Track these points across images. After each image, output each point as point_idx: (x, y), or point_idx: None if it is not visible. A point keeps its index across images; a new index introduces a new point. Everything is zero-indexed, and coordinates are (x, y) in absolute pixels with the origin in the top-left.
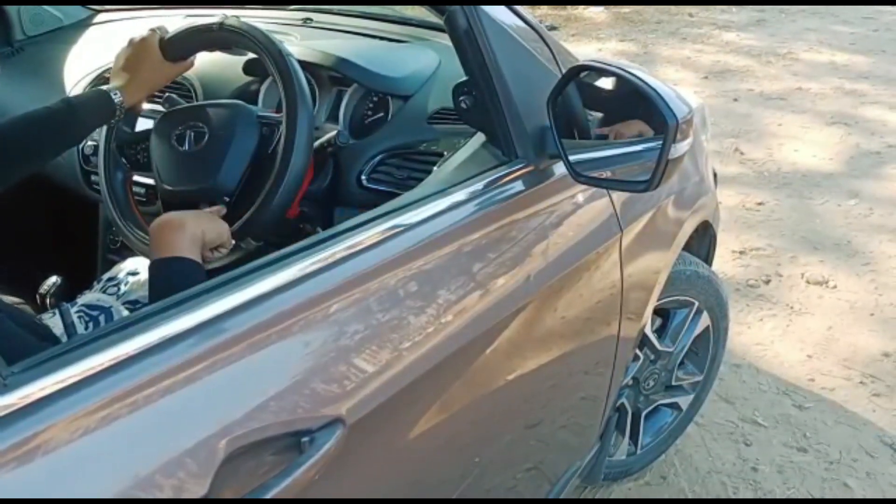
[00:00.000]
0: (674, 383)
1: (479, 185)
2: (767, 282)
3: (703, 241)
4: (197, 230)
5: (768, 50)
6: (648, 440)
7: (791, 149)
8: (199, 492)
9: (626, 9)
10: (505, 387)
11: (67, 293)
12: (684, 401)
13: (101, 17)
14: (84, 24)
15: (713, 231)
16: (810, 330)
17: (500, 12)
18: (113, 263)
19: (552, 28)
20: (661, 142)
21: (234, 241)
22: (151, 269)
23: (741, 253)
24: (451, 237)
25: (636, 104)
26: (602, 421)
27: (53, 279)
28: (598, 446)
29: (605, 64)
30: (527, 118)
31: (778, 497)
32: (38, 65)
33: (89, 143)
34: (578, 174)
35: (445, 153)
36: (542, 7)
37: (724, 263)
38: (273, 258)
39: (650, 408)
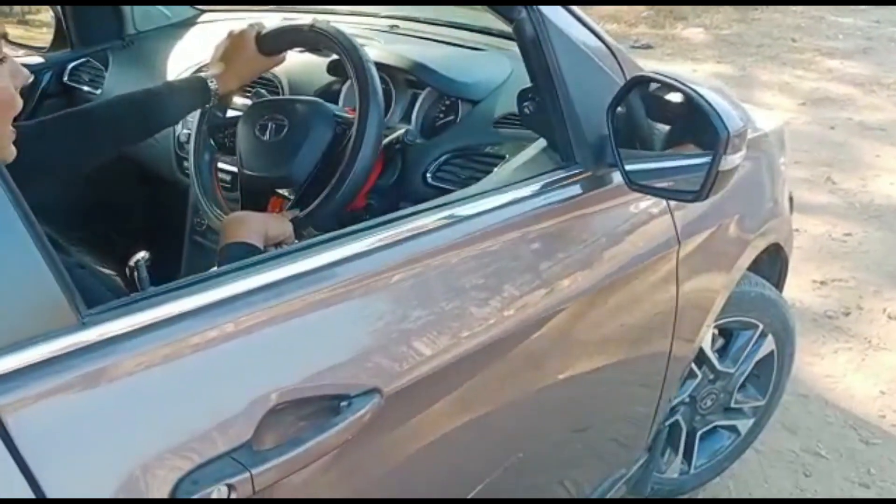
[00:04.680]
0: (733, 406)
1: (535, 186)
2: (847, 314)
3: (774, 265)
4: (261, 225)
5: (872, 79)
6: (703, 461)
7: (887, 181)
8: (244, 435)
9: (726, 30)
10: (544, 380)
11: (153, 268)
12: (743, 425)
13: (205, 16)
14: (189, 22)
15: (785, 255)
16: (886, 366)
17: (567, 22)
18: (198, 245)
19: (647, 47)
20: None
21: (295, 239)
22: (219, 253)
23: (822, 283)
24: (503, 231)
25: (694, 116)
26: (649, 433)
27: (142, 254)
28: (645, 458)
29: (661, 75)
30: (587, 126)
31: None
32: (145, 58)
33: (184, 131)
34: (632, 182)
35: (507, 156)
36: (640, 26)
37: (804, 293)
38: (339, 234)
39: (706, 428)
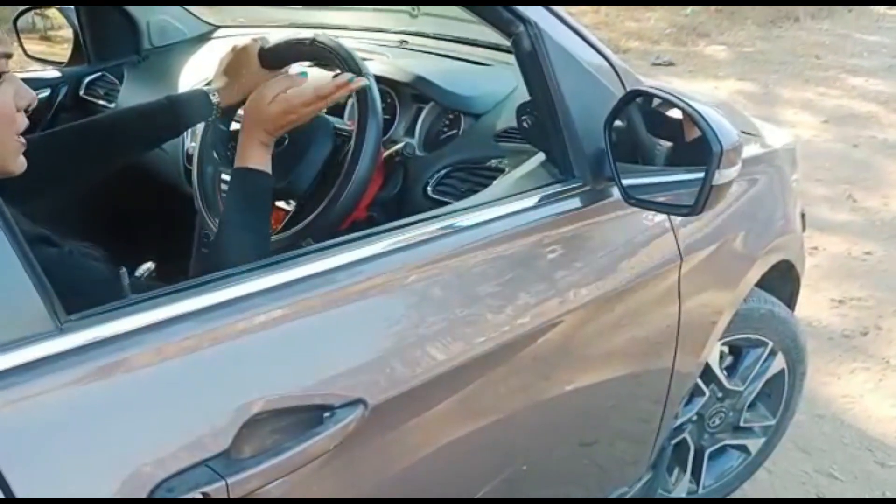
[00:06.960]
0: (742, 424)
1: (532, 199)
2: (865, 334)
3: (785, 283)
4: (270, 124)
5: None
6: (712, 481)
7: None
8: (223, 443)
9: (749, 48)
10: (540, 393)
11: (159, 279)
12: (753, 444)
13: (220, 32)
14: (204, 37)
15: (797, 273)
16: None
17: (565, 35)
18: (204, 256)
19: (669, 63)
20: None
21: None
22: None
23: (840, 302)
24: (499, 243)
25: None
26: (652, 450)
27: (148, 265)
28: (649, 476)
29: (656, 89)
30: (586, 139)
31: None
32: (159, 72)
33: (191, 144)
34: (629, 196)
35: (507, 169)
36: (662, 43)
37: (821, 311)
38: (330, 244)
39: (715, 447)
